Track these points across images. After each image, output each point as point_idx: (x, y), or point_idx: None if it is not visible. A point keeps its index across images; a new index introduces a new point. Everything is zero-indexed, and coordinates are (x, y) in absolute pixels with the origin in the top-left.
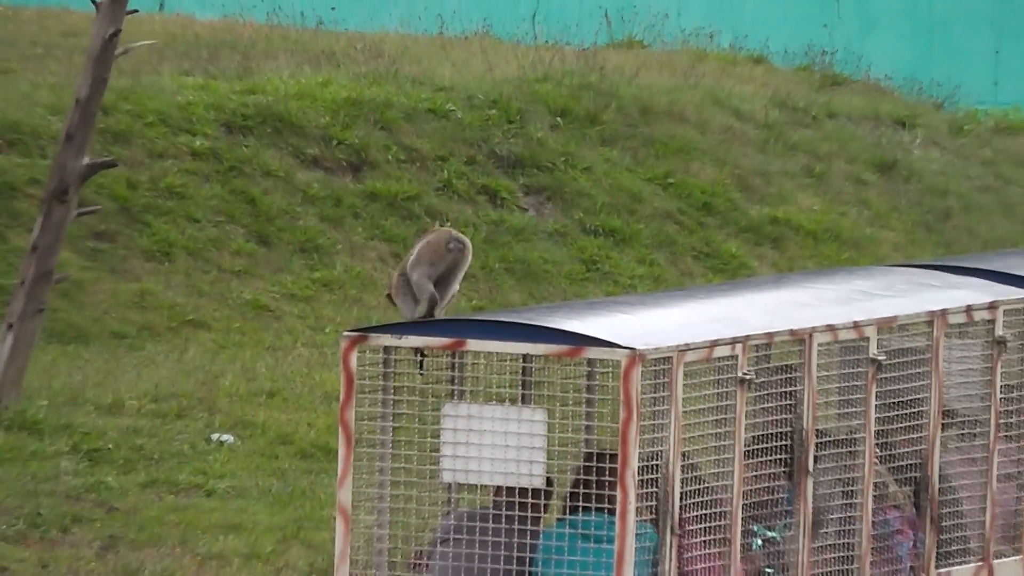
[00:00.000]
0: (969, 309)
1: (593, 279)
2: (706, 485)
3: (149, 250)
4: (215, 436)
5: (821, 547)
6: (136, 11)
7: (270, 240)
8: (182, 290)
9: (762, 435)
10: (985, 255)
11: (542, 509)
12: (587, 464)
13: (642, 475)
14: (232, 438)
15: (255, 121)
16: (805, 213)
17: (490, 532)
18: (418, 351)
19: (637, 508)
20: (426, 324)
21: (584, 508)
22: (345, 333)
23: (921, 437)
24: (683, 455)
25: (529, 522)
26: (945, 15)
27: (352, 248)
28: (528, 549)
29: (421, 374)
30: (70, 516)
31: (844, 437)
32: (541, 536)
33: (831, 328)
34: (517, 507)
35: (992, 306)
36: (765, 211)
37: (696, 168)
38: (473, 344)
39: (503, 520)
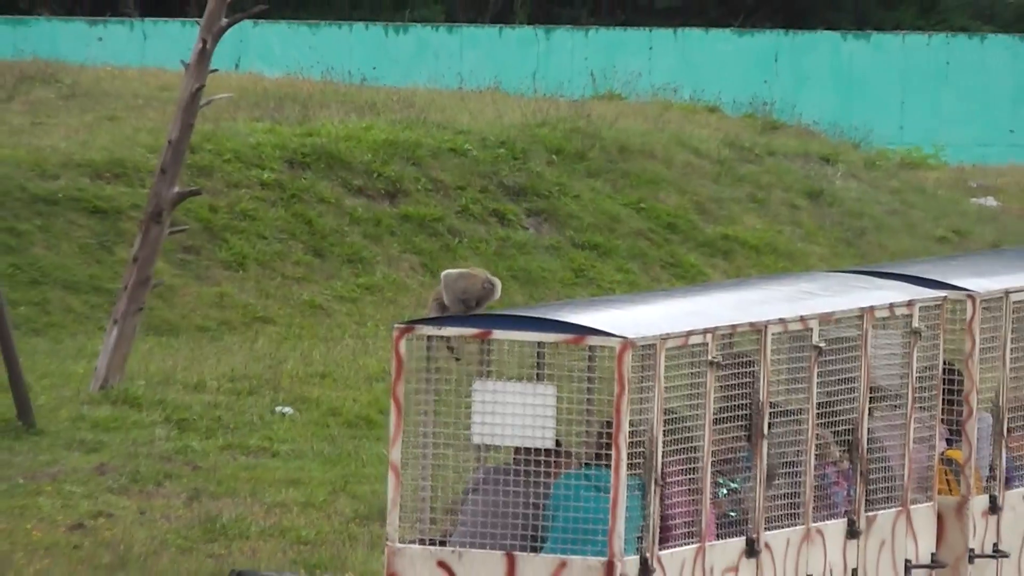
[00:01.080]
0: (891, 306)
1: (581, 284)
2: (683, 446)
3: (227, 261)
4: (279, 409)
5: (774, 496)
6: (216, 70)
7: (323, 253)
8: (253, 293)
9: (727, 406)
10: (901, 263)
11: (552, 464)
12: (589, 430)
13: (632, 438)
14: (292, 410)
15: (312, 158)
16: (750, 231)
17: (511, 483)
18: (447, 340)
19: (629, 464)
20: (460, 318)
21: (592, 464)
22: (396, 325)
23: (853, 408)
24: (664, 422)
25: (542, 475)
26: (862, 73)
27: (389, 260)
28: (542, 496)
29: (457, 359)
30: (163, 473)
31: (792, 408)
32: (553, 486)
33: (782, 321)
34: (532, 463)
35: (910, 304)
36: (718, 229)
37: (663, 195)
38: (498, 334)
39: (522, 474)
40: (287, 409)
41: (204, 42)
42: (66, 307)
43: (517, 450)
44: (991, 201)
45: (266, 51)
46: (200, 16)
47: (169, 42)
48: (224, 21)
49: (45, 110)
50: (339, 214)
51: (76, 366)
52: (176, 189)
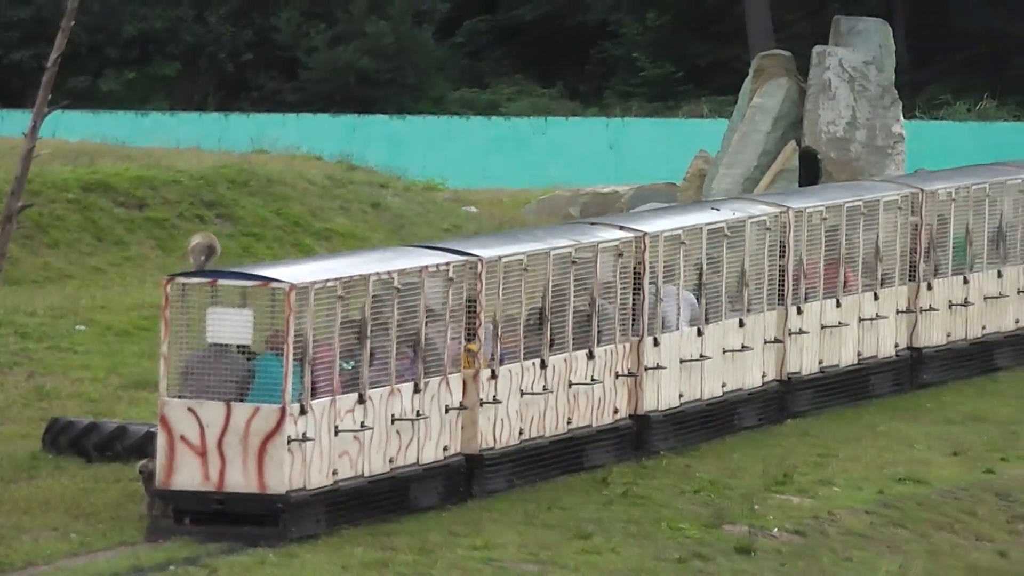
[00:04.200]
0: (437, 265)
1: (246, 257)
2: (324, 343)
3: (48, 243)
4: (78, 326)
5: (375, 369)
6: (41, 137)
7: (103, 239)
8: (63, 262)
9: (349, 323)
10: (438, 242)
11: (250, 351)
12: (277, 333)
13: (296, 338)
14: (85, 327)
15: (95, 186)
16: (340, 226)
17: (226, 362)
18: (182, 287)
19: (294, 352)
20: (201, 272)
21: (276, 351)
22: (165, 277)
23: (416, 322)
24: (314, 330)
25: (245, 356)
26: (403, 138)
27: (139, 242)
28: (244, 368)
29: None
30: (12, 362)
31: (383, 322)
32: (254, 362)
33: (378, 273)
34: (238, 352)
35: (448, 263)
36: (323, 225)
37: (292, 205)
38: (221, 282)
39: (232, 356)
40: (82, 326)
41: (35, 122)
42: None
43: (232, 346)
44: (473, 209)
45: (71, 126)
46: (33, 107)
47: (15, 123)
48: (46, 109)
49: None
50: (111, 217)
51: None
52: (20, 203)
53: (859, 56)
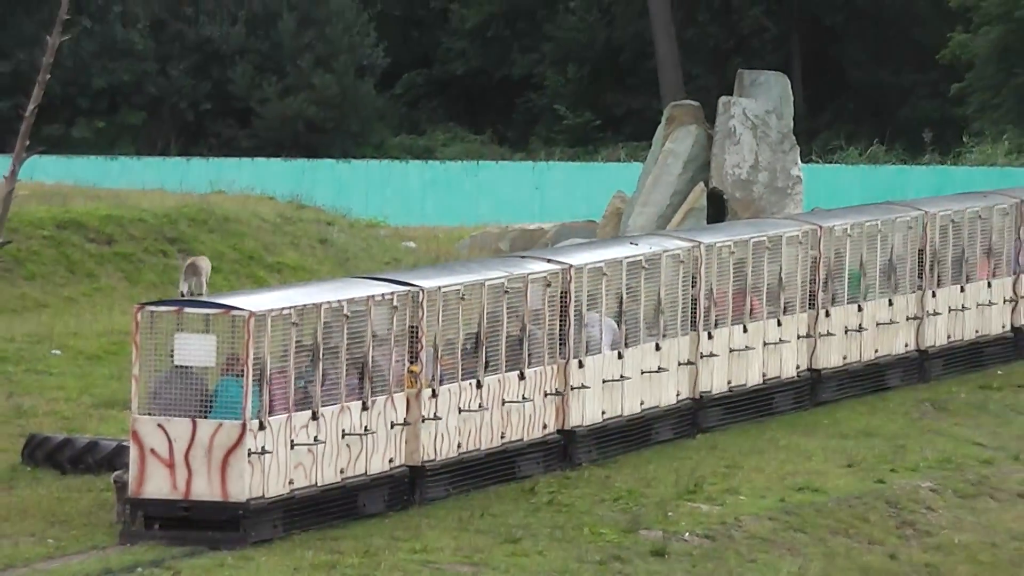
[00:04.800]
0: (383, 295)
1: (206, 289)
2: (280, 365)
3: (25, 276)
4: (53, 351)
5: (326, 388)
6: (20, 180)
7: (75, 271)
8: (39, 292)
9: (302, 346)
10: (382, 273)
11: (211, 372)
12: (235, 356)
13: (255, 360)
14: (59, 352)
15: (68, 223)
16: (291, 259)
17: (191, 382)
18: (150, 314)
19: (253, 374)
20: (169, 301)
21: (236, 373)
22: (136, 304)
23: (363, 347)
24: (271, 353)
25: (208, 377)
26: (347, 180)
27: (108, 274)
28: (206, 388)
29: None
30: None
31: (333, 346)
32: (216, 383)
33: (328, 302)
34: (202, 373)
35: (392, 293)
36: (275, 259)
37: (246, 241)
38: (187, 310)
39: (197, 375)
40: (57, 351)
41: (14, 166)
42: None
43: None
44: (412, 244)
45: (46, 170)
46: (12, 153)
47: None
48: (25, 155)
49: None
50: (82, 252)
51: None
52: (1, 240)
53: (761, 106)
